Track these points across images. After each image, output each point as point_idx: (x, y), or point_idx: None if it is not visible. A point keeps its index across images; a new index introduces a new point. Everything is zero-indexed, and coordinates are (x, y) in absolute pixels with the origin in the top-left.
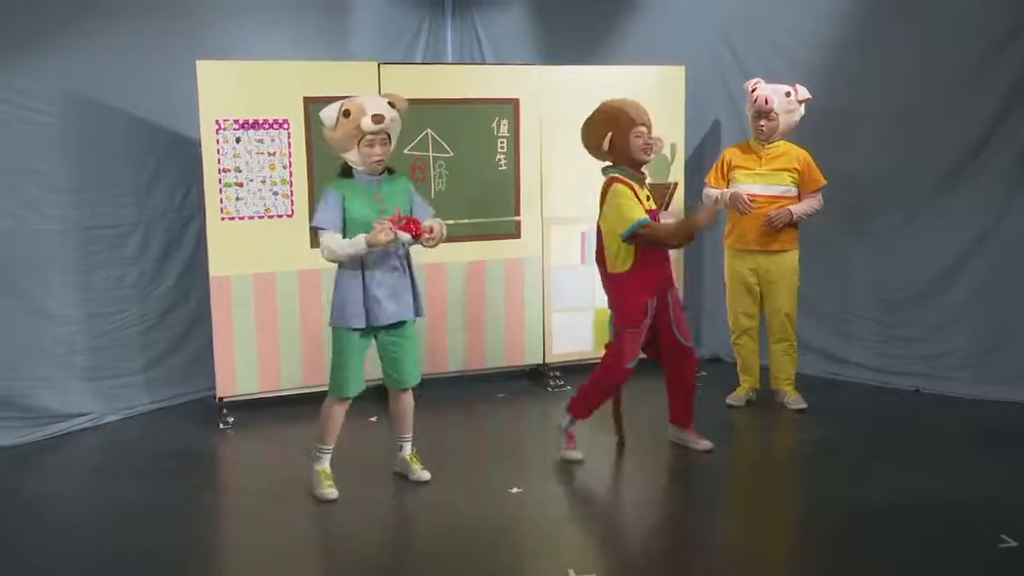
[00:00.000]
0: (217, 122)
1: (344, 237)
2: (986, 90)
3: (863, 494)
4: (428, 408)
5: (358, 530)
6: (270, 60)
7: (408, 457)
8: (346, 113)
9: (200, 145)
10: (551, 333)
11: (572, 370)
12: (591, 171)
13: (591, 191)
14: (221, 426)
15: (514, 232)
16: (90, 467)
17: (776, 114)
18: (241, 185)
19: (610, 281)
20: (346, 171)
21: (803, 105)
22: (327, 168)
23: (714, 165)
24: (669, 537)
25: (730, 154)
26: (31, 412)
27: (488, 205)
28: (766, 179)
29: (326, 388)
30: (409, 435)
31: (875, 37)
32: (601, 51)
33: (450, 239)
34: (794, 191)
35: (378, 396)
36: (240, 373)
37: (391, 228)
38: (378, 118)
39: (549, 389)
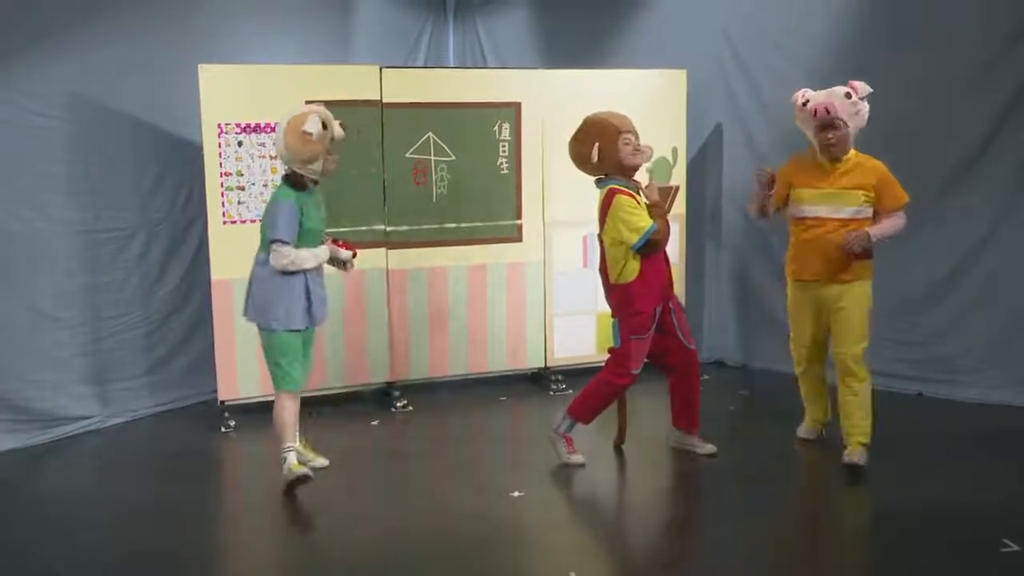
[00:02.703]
0: (219, 126)
1: (295, 246)
2: (990, 92)
3: (865, 498)
4: (430, 411)
5: (360, 532)
6: (272, 64)
7: (303, 447)
8: (324, 125)
9: (202, 149)
10: (553, 337)
11: (574, 374)
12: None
13: (593, 195)
14: (223, 429)
15: (516, 236)
16: (94, 469)
17: (842, 121)
18: (243, 189)
19: (616, 291)
20: (296, 182)
21: (866, 101)
22: None
23: None
24: (672, 540)
25: (787, 170)
26: (35, 415)
27: (490, 209)
28: (834, 199)
29: (327, 391)
30: (298, 426)
31: (878, 38)
32: (602, 54)
33: (452, 242)
34: (867, 211)
35: (380, 400)
36: (242, 376)
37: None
38: (344, 125)
39: (551, 393)
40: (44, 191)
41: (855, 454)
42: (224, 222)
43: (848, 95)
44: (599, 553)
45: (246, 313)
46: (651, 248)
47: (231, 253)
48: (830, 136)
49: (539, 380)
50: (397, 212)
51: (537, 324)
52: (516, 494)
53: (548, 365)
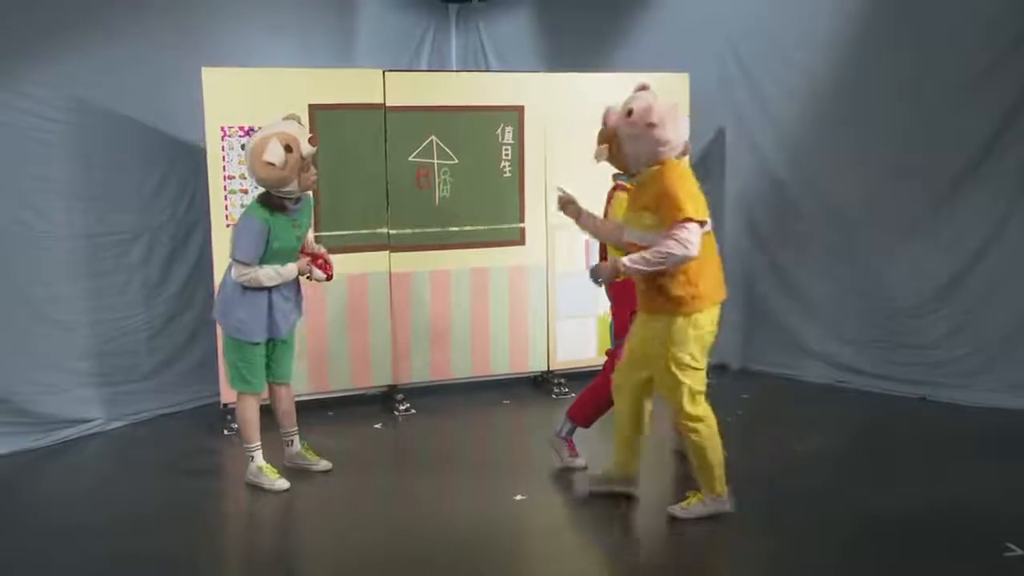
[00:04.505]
0: (222, 129)
1: (261, 263)
2: (994, 93)
3: (868, 501)
4: (433, 414)
5: (362, 535)
6: (275, 67)
7: (303, 450)
8: (288, 148)
9: (205, 152)
10: (555, 340)
11: (576, 377)
12: (596, 178)
13: (596, 198)
14: (225, 432)
15: (518, 239)
16: (96, 472)
17: (618, 139)
18: (246, 192)
19: (611, 289)
20: (270, 201)
21: (655, 129)
22: (331, 176)
23: None
24: (675, 544)
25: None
26: (38, 418)
27: (492, 212)
28: (630, 222)
29: (329, 395)
30: (296, 428)
31: (881, 43)
32: (605, 58)
33: (455, 246)
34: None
35: (383, 403)
36: None
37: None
38: (313, 140)
39: (553, 396)
40: (46, 195)
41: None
42: (227, 225)
43: (630, 112)
44: (602, 556)
45: (214, 312)
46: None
47: None
48: (612, 152)
49: (541, 383)
50: (400, 215)
51: (540, 327)
52: (519, 497)
53: (550, 368)
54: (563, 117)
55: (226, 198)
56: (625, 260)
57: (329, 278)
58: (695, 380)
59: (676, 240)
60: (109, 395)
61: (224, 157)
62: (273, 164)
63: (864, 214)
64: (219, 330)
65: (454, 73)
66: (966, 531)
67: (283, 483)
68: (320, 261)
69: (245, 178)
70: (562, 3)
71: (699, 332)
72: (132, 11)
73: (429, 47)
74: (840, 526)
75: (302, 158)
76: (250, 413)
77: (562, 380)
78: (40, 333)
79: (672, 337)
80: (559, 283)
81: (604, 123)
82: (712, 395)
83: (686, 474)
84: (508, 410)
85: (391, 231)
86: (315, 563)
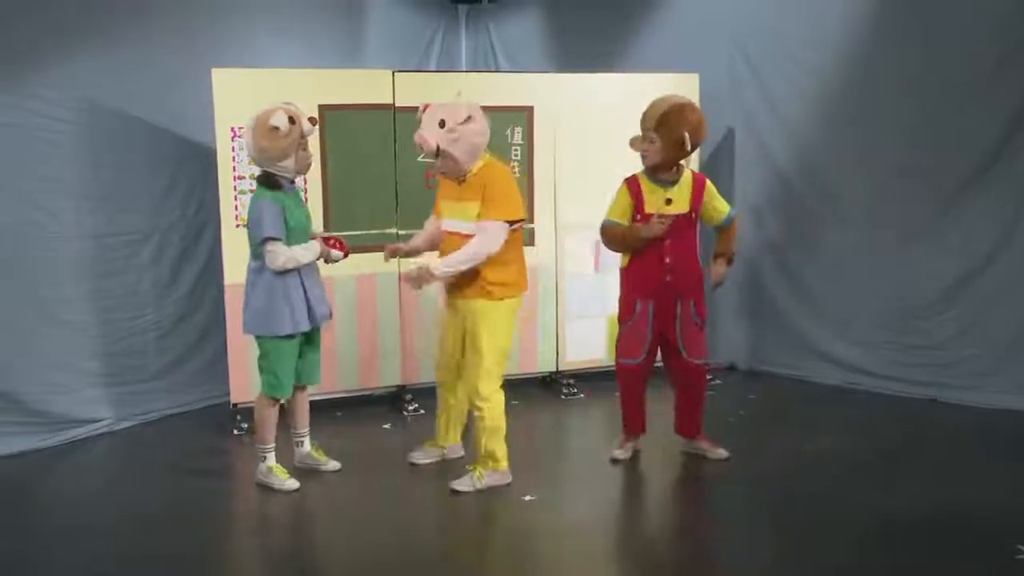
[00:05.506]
0: (232, 130)
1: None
2: (1003, 94)
3: (877, 503)
4: None
5: (370, 535)
6: (285, 68)
7: (313, 450)
8: (291, 120)
9: (215, 152)
10: (564, 340)
11: (585, 377)
12: (604, 178)
13: (604, 198)
14: (235, 432)
15: (527, 240)
16: (105, 472)
17: (446, 151)
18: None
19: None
20: (270, 182)
21: (471, 122)
22: (340, 176)
23: None
24: (684, 546)
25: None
26: (47, 418)
27: None
28: (458, 212)
29: (339, 395)
30: (308, 429)
31: (890, 43)
32: (614, 58)
33: None
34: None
35: (391, 403)
36: (254, 379)
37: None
38: (314, 120)
39: (562, 396)
40: (56, 195)
41: (464, 482)
42: (237, 225)
43: (442, 123)
44: (610, 556)
45: (246, 328)
46: (609, 240)
47: (244, 256)
48: (437, 163)
49: (550, 384)
50: (409, 216)
51: (549, 328)
52: (528, 498)
53: (559, 369)
54: (573, 117)
55: (236, 198)
56: (438, 264)
57: (346, 254)
58: (494, 362)
59: (484, 237)
60: (118, 395)
61: (234, 158)
62: (278, 129)
63: (873, 214)
64: (236, 341)
65: (464, 73)
66: (976, 533)
67: (293, 483)
68: (332, 241)
69: (255, 178)
70: (572, 4)
71: (510, 318)
72: (140, 13)
73: (439, 48)
74: (848, 528)
75: (302, 135)
76: (269, 414)
77: (571, 380)
78: (49, 333)
79: (486, 320)
80: (568, 283)
81: (421, 148)
82: (719, 395)
83: (695, 476)
84: (517, 410)
85: (400, 231)
86: (324, 563)
